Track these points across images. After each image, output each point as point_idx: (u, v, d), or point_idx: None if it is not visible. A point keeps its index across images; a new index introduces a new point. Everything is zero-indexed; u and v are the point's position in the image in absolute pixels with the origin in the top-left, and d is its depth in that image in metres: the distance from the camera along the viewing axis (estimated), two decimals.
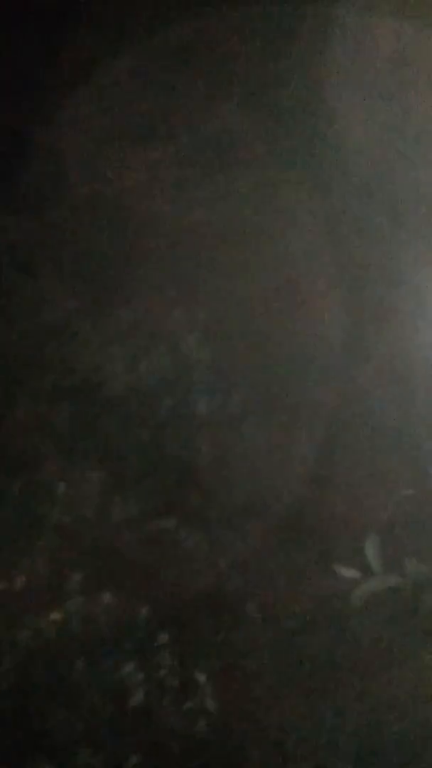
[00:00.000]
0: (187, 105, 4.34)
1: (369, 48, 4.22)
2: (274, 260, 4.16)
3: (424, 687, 3.32)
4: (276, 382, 3.96)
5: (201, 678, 3.50)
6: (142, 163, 4.29)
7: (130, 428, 3.96)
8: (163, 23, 4.31)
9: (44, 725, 3.38)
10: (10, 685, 3.44)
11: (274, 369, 3.98)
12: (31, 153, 4.28)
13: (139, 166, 4.29)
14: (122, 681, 3.51)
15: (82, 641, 3.57)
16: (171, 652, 3.55)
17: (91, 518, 3.78)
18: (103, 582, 3.64)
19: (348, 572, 3.23)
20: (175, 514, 3.79)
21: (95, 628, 3.58)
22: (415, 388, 3.84)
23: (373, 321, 4.04)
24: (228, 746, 3.37)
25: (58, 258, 4.25)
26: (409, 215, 4.12)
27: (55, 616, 3.58)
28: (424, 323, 3.98)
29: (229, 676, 3.49)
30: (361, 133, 4.18)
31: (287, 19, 4.26)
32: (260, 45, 4.30)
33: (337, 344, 4.01)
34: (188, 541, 3.74)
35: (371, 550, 3.22)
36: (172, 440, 3.94)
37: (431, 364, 3.87)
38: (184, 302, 4.15)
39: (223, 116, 4.31)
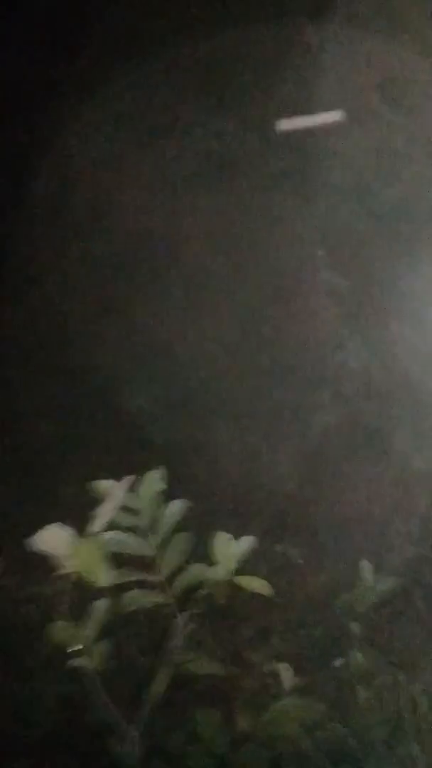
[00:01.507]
0: (185, 116, 4.16)
1: (359, 66, 4.06)
2: (269, 268, 4.02)
3: None
4: (271, 389, 3.83)
5: None
6: (140, 172, 4.14)
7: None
8: (164, 35, 4.12)
9: None
10: None
11: (269, 375, 3.82)
12: (32, 160, 4.15)
13: (136, 175, 4.14)
14: None
15: None
16: None
17: None
18: None
19: None
20: None
21: None
22: (411, 394, 3.73)
23: (368, 327, 3.87)
24: None
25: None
26: (402, 226, 3.99)
27: None
28: (420, 329, 3.81)
29: None
30: (353, 146, 4.05)
31: (283, 36, 4.11)
32: (257, 59, 4.15)
33: (330, 351, 3.85)
34: None
35: None
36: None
37: (426, 369, 3.74)
38: (180, 310, 3.94)
39: (221, 128, 4.15)
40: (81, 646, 2.43)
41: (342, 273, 4.00)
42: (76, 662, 2.44)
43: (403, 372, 3.85)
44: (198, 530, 2.63)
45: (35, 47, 4.20)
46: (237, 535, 2.54)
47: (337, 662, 2.78)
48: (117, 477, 2.54)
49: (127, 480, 2.54)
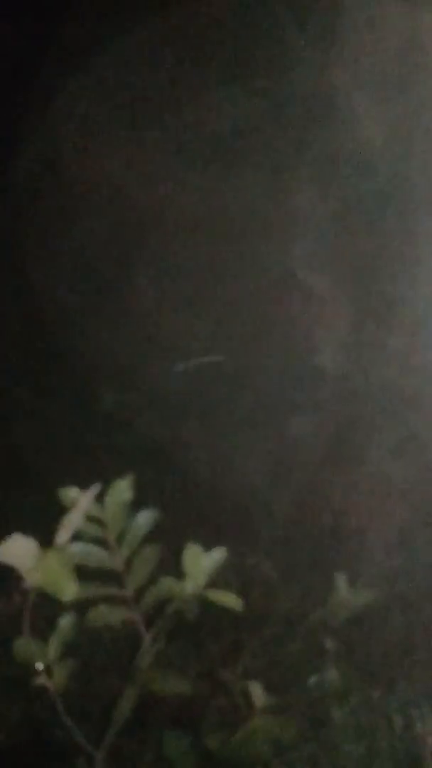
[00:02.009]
0: (189, 96, 3.95)
1: (379, 35, 3.77)
2: (277, 255, 3.85)
3: None
4: (276, 380, 3.69)
5: None
6: (143, 156, 3.95)
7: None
8: (164, 11, 3.90)
9: None
10: None
11: (275, 366, 3.68)
12: (28, 146, 4.03)
13: (139, 158, 3.96)
14: None
15: None
16: None
17: None
18: None
19: None
20: None
21: None
22: (420, 387, 3.60)
23: (378, 317, 3.72)
24: None
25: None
26: (419, 209, 3.77)
27: None
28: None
29: None
30: (369, 123, 3.80)
31: (294, 5, 3.86)
32: (266, 32, 3.89)
33: (341, 340, 3.70)
34: None
35: None
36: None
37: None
38: (184, 298, 3.78)
39: (227, 107, 3.94)
40: (42, 665, 2.33)
41: (357, 258, 3.85)
42: (38, 681, 2.34)
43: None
44: (169, 542, 2.53)
45: (26, 17, 4.07)
46: (209, 547, 2.44)
47: (311, 679, 2.69)
48: (88, 484, 2.44)
49: (94, 488, 2.44)
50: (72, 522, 2.39)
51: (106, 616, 2.45)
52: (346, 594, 2.80)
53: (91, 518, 2.46)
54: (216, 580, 2.41)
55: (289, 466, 3.63)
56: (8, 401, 3.88)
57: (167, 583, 2.46)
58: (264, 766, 2.48)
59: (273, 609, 3.10)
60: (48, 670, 2.34)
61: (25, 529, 2.31)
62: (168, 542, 2.51)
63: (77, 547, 2.36)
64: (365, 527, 3.48)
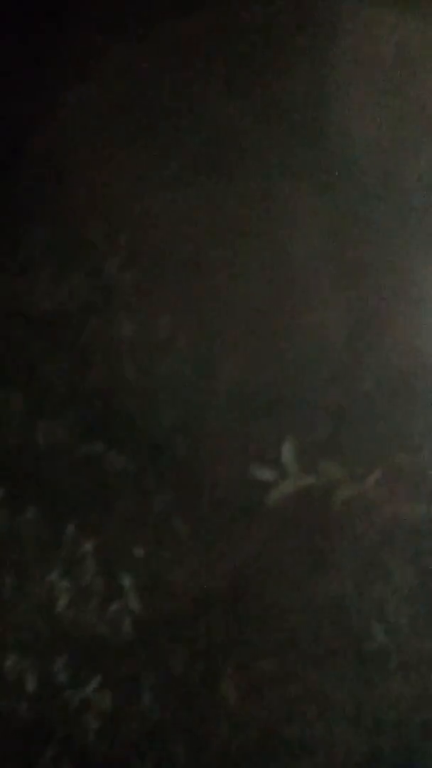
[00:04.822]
0: (188, 101, 4.05)
1: (373, 42, 3.90)
2: (275, 260, 3.92)
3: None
4: (277, 381, 3.83)
5: (125, 582, 3.64)
6: (141, 160, 4.01)
7: (54, 352, 3.88)
8: (163, 18, 4.01)
9: None
10: None
11: (274, 368, 3.83)
12: (28, 149, 4.07)
13: (137, 162, 4.02)
14: (48, 590, 3.63)
15: (7, 554, 3.67)
16: (95, 560, 3.67)
17: (15, 442, 3.78)
18: (27, 499, 3.70)
19: (264, 474, 3.31)
20: (102, 439, 3.80)
21: (20, 542, 3.67)
22: (417, 390, 3.72)
23: (376, 321, 3.85)
24: (152, 647, 3.55)
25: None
26: (415, 213, 3.85)
27: None
28: (428, 324, 3.77)
29: (152, 584, 3.63)
30: (365, 129, 3.89)
31: (290, 13, 3.95)
32: (262, 40, 3.99)
33: (338, 345, 3.83)
34: (115, 464, 3.80)
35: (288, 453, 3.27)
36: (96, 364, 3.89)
37: None
38: (175, 303, 3.93)
39: (225, 112, 4.02)
40: None
41: (354, 262, 3.85)
42: None
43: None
44: None
45: (32, 24, 4.04)
46: None
47: None
48: None
49: None
50: None
51: None
52: None
53: None
54: None
55: None
56: None
57: None
58: None
59: None
60: None
61: None
62: None
63: None
64: None
